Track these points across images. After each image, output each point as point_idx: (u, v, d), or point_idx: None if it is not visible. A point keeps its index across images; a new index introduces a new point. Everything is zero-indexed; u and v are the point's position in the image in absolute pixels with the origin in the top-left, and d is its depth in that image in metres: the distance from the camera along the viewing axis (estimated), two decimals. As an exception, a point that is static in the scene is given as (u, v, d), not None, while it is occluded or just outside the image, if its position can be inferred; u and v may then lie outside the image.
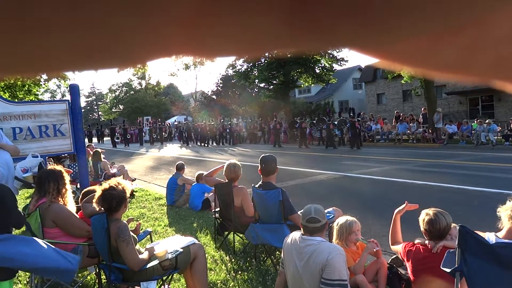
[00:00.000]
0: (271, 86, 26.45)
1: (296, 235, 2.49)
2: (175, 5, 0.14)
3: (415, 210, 2.71)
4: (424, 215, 2.41)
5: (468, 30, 0.16)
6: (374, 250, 2.69)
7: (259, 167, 3.68)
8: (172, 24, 0.15)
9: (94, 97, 62.87)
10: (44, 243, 2.52)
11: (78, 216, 3.15)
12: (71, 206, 3.16)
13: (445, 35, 0.16)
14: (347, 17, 0.15)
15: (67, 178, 3.15)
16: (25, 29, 0.14)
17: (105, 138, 34.39)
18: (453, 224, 2.42)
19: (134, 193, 7.21)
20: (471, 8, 0.14)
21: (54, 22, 0.14)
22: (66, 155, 6.69)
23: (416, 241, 2.52)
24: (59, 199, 3.02)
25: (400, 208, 2.80)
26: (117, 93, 55.80)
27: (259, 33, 0.16)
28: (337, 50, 22.90)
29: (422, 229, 2.43)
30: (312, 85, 27.26)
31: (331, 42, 0.16)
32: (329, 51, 22.35)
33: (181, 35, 0.16)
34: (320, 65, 24.58)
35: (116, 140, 27.38)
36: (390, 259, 2.87)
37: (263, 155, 3.76)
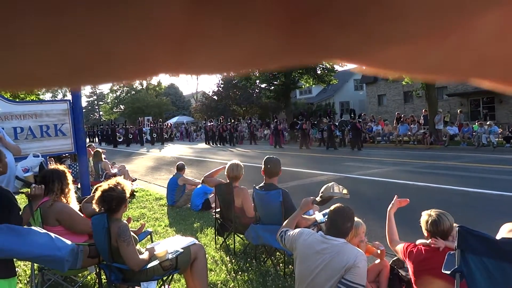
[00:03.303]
0: (272, 87, 26.44)
1: (311, 231, 2.46)
2: (165, 22, 0.14)
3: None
4: (427, 217, 2.38)
5: (455, 33, 0.15)
6: (378, 251, 2.68)
7: (263, 168, 3.64)
8: (161, 42, 0.14)
9: (95, 97, 62.87)
10: (40, 230, 2.49)
11: (81, 214, 3.18)
12: (74, 205, 3.19)
13: (431, 39, 0.16)
14: (341, 29, 0.14)
15: (70, 177, 3.18)
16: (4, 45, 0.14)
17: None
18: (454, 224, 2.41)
19: (134, 193, 7.22)
20: (460, 10, 0.14)
21: (34, 38, 0.13)
22: (67, 155, 6.70)
23: (418, 242, 2.51)
24: (62, 198, 3.04)
25: (392, 204, 2.78)
26: (118, 93, 55.86)
27: (251, 50, 0.15)
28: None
29: (424, 230, 2.41)
30: (313, 86, 27.25)
31: (324, 55, 0.16)
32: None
33: (168, 54, 0.15)
34: (321, 66, 24.55)
35: (119, 140, 27.53)
36: (391, 261, 2.86)
37: (267, 156, 3.72)
